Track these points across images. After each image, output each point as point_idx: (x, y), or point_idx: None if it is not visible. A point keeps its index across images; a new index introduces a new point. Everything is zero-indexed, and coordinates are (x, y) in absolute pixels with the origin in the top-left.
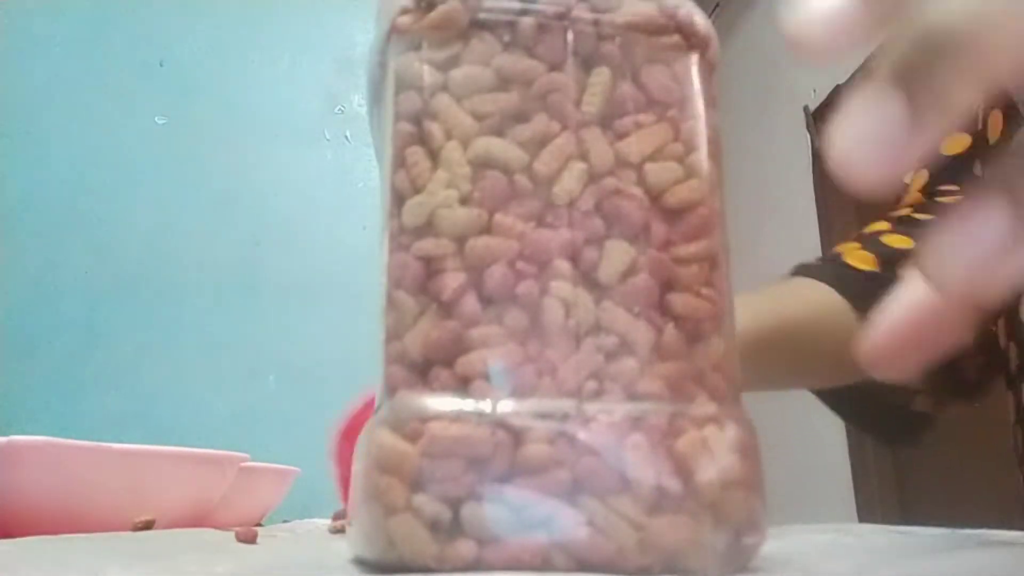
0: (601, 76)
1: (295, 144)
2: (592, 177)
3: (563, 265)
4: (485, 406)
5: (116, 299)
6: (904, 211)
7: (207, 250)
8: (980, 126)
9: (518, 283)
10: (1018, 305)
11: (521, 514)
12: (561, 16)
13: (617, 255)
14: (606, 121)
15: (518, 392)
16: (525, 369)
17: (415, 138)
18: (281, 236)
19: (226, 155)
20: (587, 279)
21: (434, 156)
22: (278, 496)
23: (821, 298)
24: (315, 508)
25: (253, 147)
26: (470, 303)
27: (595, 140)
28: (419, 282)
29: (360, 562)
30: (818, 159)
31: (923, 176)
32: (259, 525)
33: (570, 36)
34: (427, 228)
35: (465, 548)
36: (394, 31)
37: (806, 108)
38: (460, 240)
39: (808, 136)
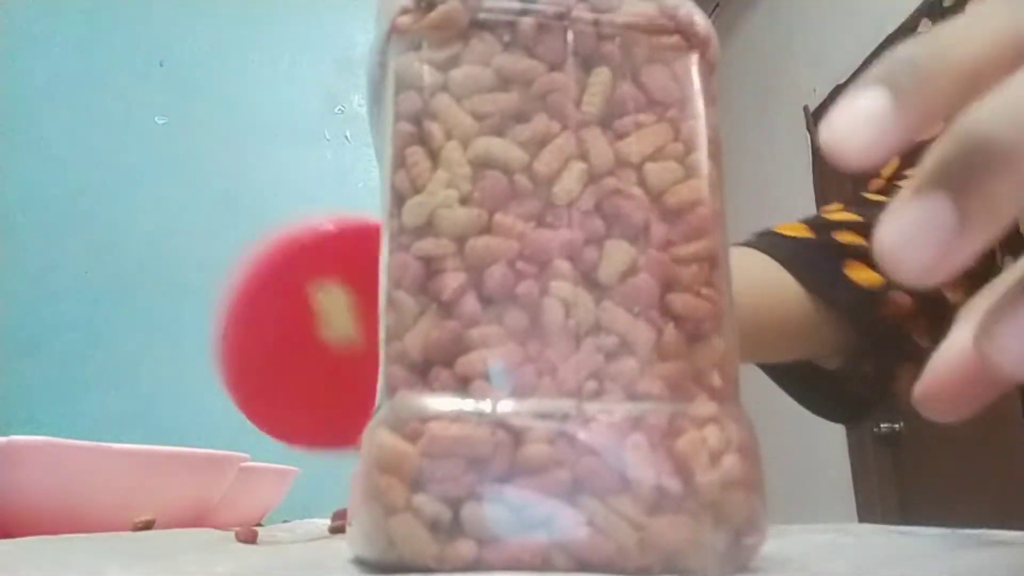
0: (601, 76)
1: (295, 144)
2: (592, 177)
3: (563, 265)
4: (485, 406)
5: (116, 299)
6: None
7: (207, 250)
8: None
9: (518, 283)
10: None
11: (521, 514)
12: (561, 16)
13: (617, 255)
14: (606, 121)
15: (518, 392)
16: (525, 369)
17: (415, 138)
18: None
19: (226, 155)
20: (587, 279)
21: (434, 156)
22: (278, 496)
23: (758, 268)
24: (315, 508)
25: (253, 147)
26: (470, 303)
27: (595, 140)
28: (419, 282)
29: (360, 562)
30: (818, 159)
31: (893, 164)
32: (259, 525)
33: (570, 36)
34: (427, 228)
35: (465, 548)
36: (394, 31)
37: (806, 108)
38: (460, 240)
39: (808, 136)
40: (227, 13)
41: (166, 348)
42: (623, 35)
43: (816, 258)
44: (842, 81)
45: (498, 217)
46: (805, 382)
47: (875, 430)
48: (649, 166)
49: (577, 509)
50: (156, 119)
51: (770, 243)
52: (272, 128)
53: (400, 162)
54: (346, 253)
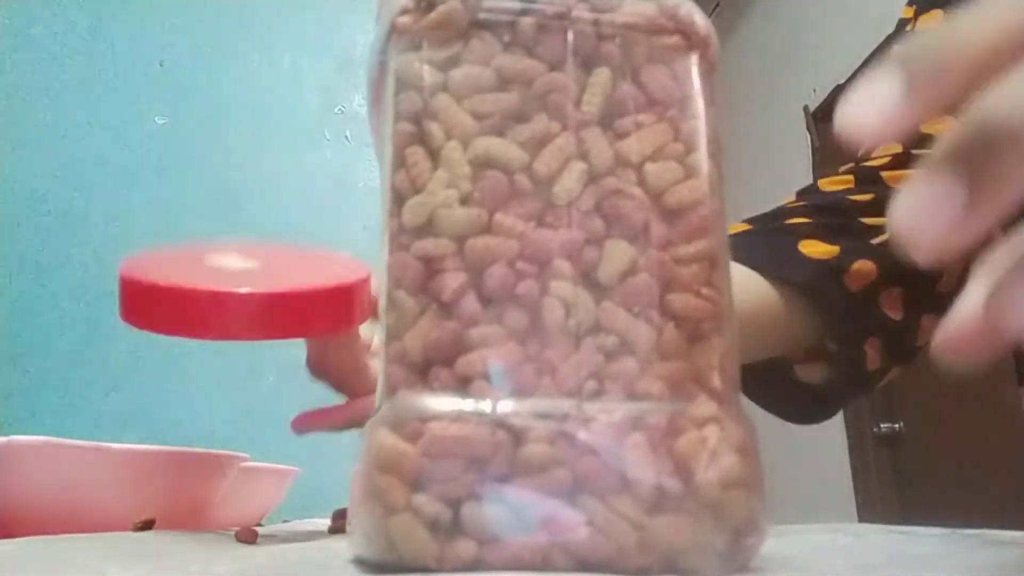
0: (601, 76)
1: (295, 144)
2: (592, 177)
3: (563, 265)
4: (485, 406)
5: (116, 299)
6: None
7: None
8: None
9: (518, 283)
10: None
11: (521, 514)
12: (561, 16)
13: (617, 255)
14: (606, 121)
15: (518, 392)
16: (525, 369)
17: (415, 138)
18: (281, 236)
19: (226, 155)
20: (587, 279)
21: (434, 156)
22: (278, 496)
23: (737, 279)
24: (315, 508)
25: (253, 147)
26: (470, 303)
27: (595, 140)
28: (419, 282)
29: (360, 562)
30: (818, 159)
31: (895, 148)
32: (259, 525)
33: (570, 36)
34: (427, 228)
35: (465, 548)
36: (394, 31)
37: (806, 108)
38: (460, 240)
39: (808, 136)
40: (227, 13)
41: (166, 348)
42: (623, 35)
43: (767, 243)
44: (842, 81)
45: (498, 217)
46: (765, 381)
47: (875, 430)
48: (649, 166)
49: (577, 509)
50: (156, 119)
51: (735, 243)
52: (272, 128)
53: (400, 162)
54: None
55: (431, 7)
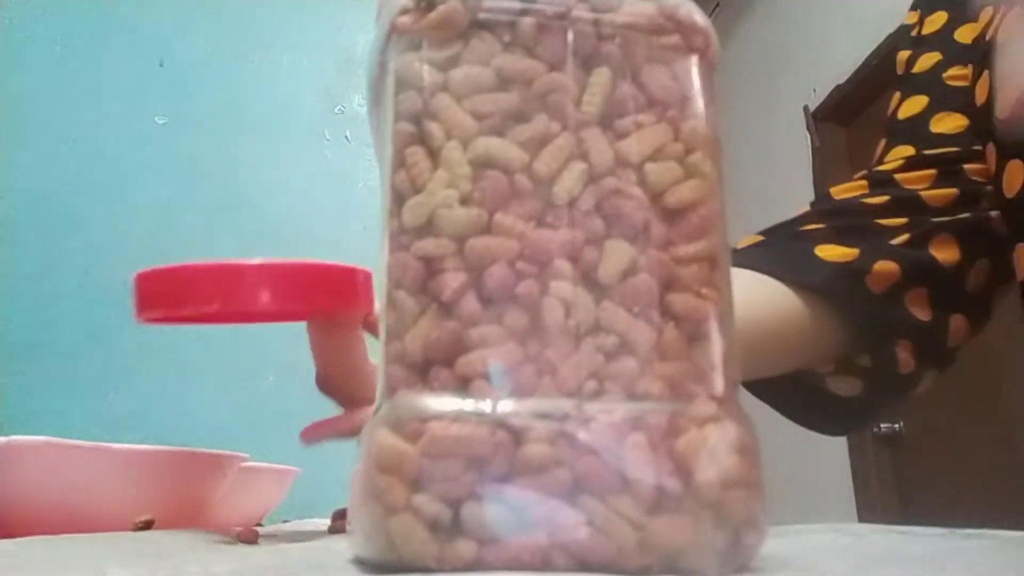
0: (601, 76)
1: (295, 144)
2: (592, 177)
3: (563, 265)
4: (485, 406)
5: (116, 299)
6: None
7: (207, 250)
8: (976, 101)
9: (518, 283)
10: None
11: (521, 514)
12: (561, 16)
13: (617, 255)
14: (606, 121)
15: (518, 392)
16: (525, 369)
17: (415, 138)
18: (281, 236)
19: (226, 155)
20: (587, 279)
21: (434, 156)
22: (278, 496)
23: (753, 288)
24: (315, 508)
25: (253, 147)
26: (470, 303)
27: (595, 140)
28: (419, 282)
29: (360, 562)
30: (818, 159)
31: (907, 151)
32: (259, 525)
33: (570, 36)
34: (427, 228)
35: (465, 548)
36: (394, 31)
37: (806, 108)
38: (460, 240)
39: (808, 136)
40: (227, 13)
41: (166, 348)
42: (623, 35)
43: (783, 250)
44: (842, 81)
45: (498, 217)
46: (797, 395)
47: (875, 430)
48: (649, 166)
49: (577, 509)
50: (156, 119)
51: (748, 258)
52: (272, 128)
53: (400, 162)
54: None
55: (431, 7)
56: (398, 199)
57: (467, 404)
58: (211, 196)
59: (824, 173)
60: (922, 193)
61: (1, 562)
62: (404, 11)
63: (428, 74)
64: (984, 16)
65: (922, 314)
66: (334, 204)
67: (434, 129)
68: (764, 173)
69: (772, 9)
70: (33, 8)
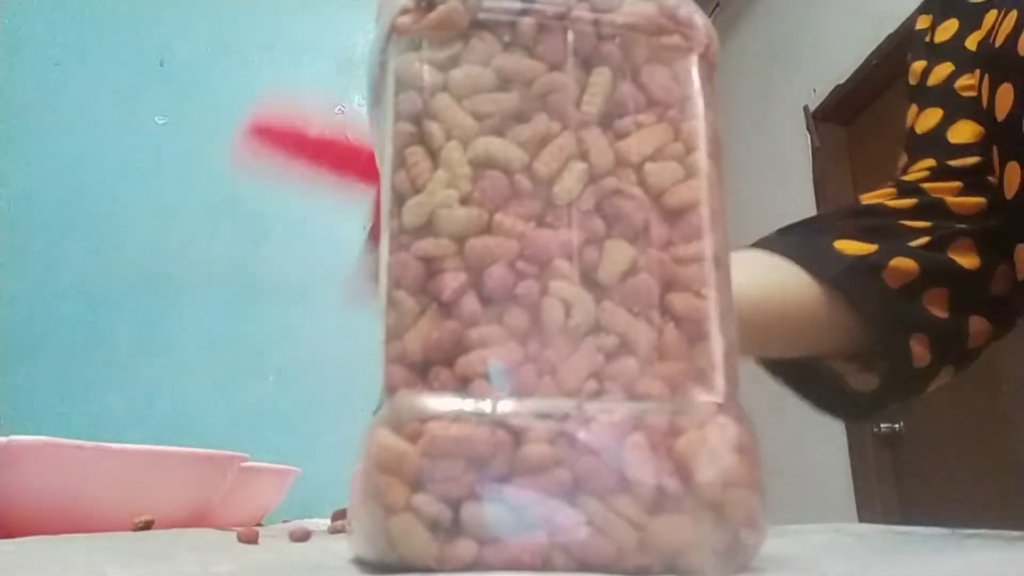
0: (601, 76)
1: None
2: (592, 177)
3: (563, 265)
4: (485, 406)
5: (116, 299)
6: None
7: (207, 250)
8: (988, 106)
9: (518, 283)
10: None
11: (521, 514)
12: (561, 16)
13: (617, 255)
14: (606, 121)
15: (518, 392)
16: (525, 369)
17: (415, 138)
18: (281, 236)
19: (226, 155)
20: (587, 279)
21: (434, 156)
22: (278, 496)
23: (775, 269)
24: (315, 508)
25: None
26: (470, 303)
27: (595, 140)
28: (419, 282)
29: (360, 562)
30: (818, 159)
31: (930, 162)
32: (259, 525)
33: (570, 36)
34: (427, 228)
35: (465, 548)
36: (394, 31)
37: (806, 108)
38: (460, 240)
39: (808, 136)
40: (227, 13)
41: (166, 348)
42: (623, 35)
43: (804, 240)
44: (842, 81)
45: (498, 217)
46: (809, 378)
47: (875, 430)
48: (649, 166)
49: (577, 509)
50: (156, 119)
51: (769, 242)
52: None
53: (400, 162)
54: None
55: (431, 7)
56: (398, 199)
57: (467, 404)
58: (211, 196)
59: (824, 173)
60: (948, 200)
61: (1, 562)
62: (404, 11)
63: (428, 74)
64: (988, 20)
65: (940, 312)
66: (334, 204)
67: (434, 129)
68: (764, 173)
69: (772, 9)
70: (33, 8)
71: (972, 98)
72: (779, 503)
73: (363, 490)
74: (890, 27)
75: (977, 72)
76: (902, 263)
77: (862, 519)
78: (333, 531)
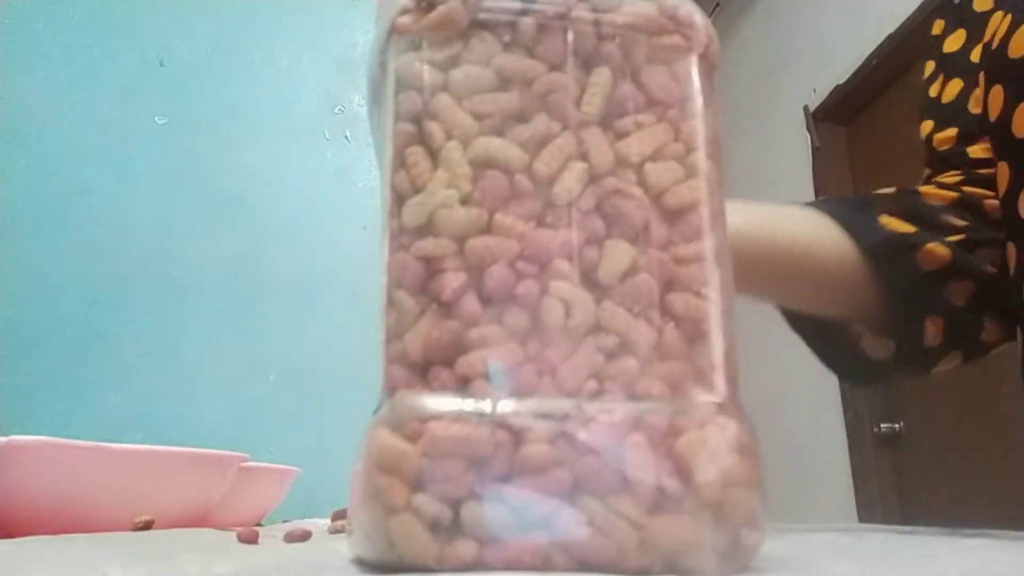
0: (601, 76)
1: (295, 144)
2: (592, 177)
3: (563, 265)
4: (485, 406)
5: (116, 299)
6: (950, 178)
7: (207, 250)
8: (983, 107)
9: (518, 283)
10: None
11: (521, 514)
12: (561, 16)
13: (617, 255)
14: (606, 121)
15: (518, 392)
16: (525, 369)
17: (415, 138)
18: (281, 236)
19: (226, 155)
20: (587, 279)
21: (434, 156)
22: (278, 496)
23: (819, 225)
24: (315, 508)
25: (253, 147)
26: (470, 303)
27: (595, 140)
28: (419, 282)
29: (360, 562)
30: (818, 159)
31: (956, 175)
32: (259, 525)
33: (570, 36)
34: (427, 228)
35: (465, 548)
36: (394, 31)
37: (806, 108)
38: (460, 240)
39: (808, 136)
40: (227, 13)
41: (166, 348)
42: (623, 35)
43: (851, 208)
44: (842, 81)
45: (498, 217)
46: (827, 336)
47: (875, 430)
48: (649, 166)
49: (577, 509)
50: (156, 119)
51: (820, 203)
52: (272, 128)
53: (400, 162)
54: None
55: (431, 7)
56: (398, 199)
57: (467, 404)
58: (211, 196)
59: (824, 173)
60: (986, 202)
61: (1, 562)
62: (404, 11)
63: (428, 74)
64: (992, 24)
65: (960, 302)
66: (334, 204)
67: (434, 129)
68: (764, 173)
69: (772, 9)
70: (33, 8)
71: (983, 114)
72: (779, 503)
73: (363, 490)
74: (890, 27)
75: (981, 80)
76: (937, 248)
77: (862, 519)
78: (333, 531)
